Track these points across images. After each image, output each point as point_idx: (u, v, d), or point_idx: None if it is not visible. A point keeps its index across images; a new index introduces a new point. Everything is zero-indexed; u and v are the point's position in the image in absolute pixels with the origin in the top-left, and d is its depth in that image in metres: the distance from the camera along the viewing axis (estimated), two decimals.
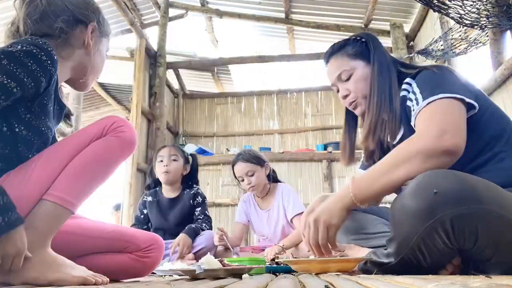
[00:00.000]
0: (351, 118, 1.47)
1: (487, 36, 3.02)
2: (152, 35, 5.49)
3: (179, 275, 1.32)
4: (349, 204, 1.10)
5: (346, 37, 1.42)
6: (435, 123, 1.05)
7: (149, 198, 2.64)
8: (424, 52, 3.83)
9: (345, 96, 1.36)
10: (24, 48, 0.91)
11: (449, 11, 2.52)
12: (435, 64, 1.27)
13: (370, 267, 1.10)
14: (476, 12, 2.48)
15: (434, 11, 2.70)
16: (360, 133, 1.38)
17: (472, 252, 0.93)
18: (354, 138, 1.46)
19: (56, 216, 0.91)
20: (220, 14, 5.56)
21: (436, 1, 2.49)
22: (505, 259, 0.92)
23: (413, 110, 1.15)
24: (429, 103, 1.09)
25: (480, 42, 3.09)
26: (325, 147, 5.38)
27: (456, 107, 1.08)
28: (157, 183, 2.69)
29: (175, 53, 6.08)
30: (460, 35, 3.16)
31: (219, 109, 6.39)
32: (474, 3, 2.40)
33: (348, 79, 1.34)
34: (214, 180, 5.57)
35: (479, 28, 2.71)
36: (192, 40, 6.46)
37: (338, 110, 6.09)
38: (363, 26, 5.28)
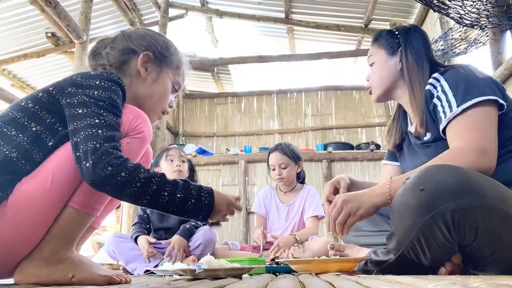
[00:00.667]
0: (399, 107, 1.50)
1: (487, 36, 3.02)
2: None
3: (179, 275, 1.32)
4: (381, 203, 1.11)
5: (388, 29, 1.48)
6: (475, 138, 1.07)
7: None
8: None
9: (367, 81, 1.47)
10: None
11: (449, 11, 2.52)
12: (461, 64, 1.28)
13: (370, 267, 1.10)
14: (476, 12, 2.48)
15: (434, 11, 2.70)
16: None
17: (472, 247, 0.93)
18: (398, 124, 1.48)
19: (79, 221, 0.95)
20: (220, 14, 5.56)
21: (436, 1, 2.49)
22: (505, 255, 0.92)
23: (443, 112, 1.16)
24: (464, 110, 1.10)
25: (480, 42, 3.09)
26: (325, 147, 5.38)
27: (491, 113, 1.10)
28: None
29: None
30: (460, 35, 3.16)
31: (219, 109, 6.39)
32: (474, 3, 2.40)
33: (371, 66, 1.44)
34: (214, 180, 5.57)
35: (479, 28, 2.71)
36: (192, 40, 6.46)
37: (338, 110, 6.09)
38: (363, 26, 5.28)
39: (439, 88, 1.20)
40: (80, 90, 0.95)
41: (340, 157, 5.09)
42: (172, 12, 5.50)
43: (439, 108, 1.18)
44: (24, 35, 4.81)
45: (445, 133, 1.17)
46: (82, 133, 0.88)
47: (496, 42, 3.02)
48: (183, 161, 2.59)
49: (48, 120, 0.95)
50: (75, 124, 0.90)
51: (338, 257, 1.33)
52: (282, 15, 5.43)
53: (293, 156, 2.62)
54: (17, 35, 4.79)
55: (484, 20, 2.55)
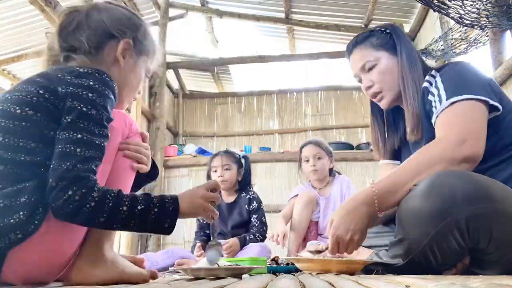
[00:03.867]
0: (377, 111, 1.44)
1: (487, 36, 3.02)
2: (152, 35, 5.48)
3: (180, 275, 1.33)
4: (371, 212, 1.06)
5: (370, 29, 1.40)
6: (456, 130, 1.05)
7: None
8: (424, 52, 3.83)
9: (368, 87, 1.34)
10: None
11: (449, 11, 2.52)
12: (459, 61, 1.25)
13: (372, 268, 1.10)
14: (476, 12, 2.48)
15: (434, 11, 2.70)
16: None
17: (484, 252, 0.93)
18: (384, 131, 1.42)
19: None
20: (220, 14, 5.56)
21: (436, 1, 2.49)
22: None
23: (435, 107, 1.14)
24: (452, 103, 1.08)
25: (480, 42, 3.09)
26: None
27: (478, 110, 1.07)
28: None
29: (175, 53, 6.08)
30: (460, 35, 3.16)
31: (219, 109, 6.39)
32: (474, 3, 2.40)
33: (371, 70, 1.32)
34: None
35: (479, 28, 2.71)
36: (192, 40, 6.45)
37: (338, 110, 6.09)
38: (363, 26, 5.27)
39: (433, 84, 1.18)
40: (70, 89, 0.88)
41: (340, 157, 5.09)
42: (172, 12, 5.50)
43: (433, 103, 1.16)
44: (24, 35, 4.81)
45: None
46: (60, 146, 0.84)
47: (496, 42, 3.02)
48: (227, 169, 2.59)
49: (53, 127, 0.89)
50: (60, 133, 0.86)
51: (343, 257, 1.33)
52: (282, 15, 5.43)
53: (326, 150, 2.62)
54: (17, 35, 4.79)
55: (484, 20, 2.55)
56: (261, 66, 6.28)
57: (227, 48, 6.30)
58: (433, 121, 1.15)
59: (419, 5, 4.31)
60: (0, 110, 0.89)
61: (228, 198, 2.64)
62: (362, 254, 1.32)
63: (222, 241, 2.34)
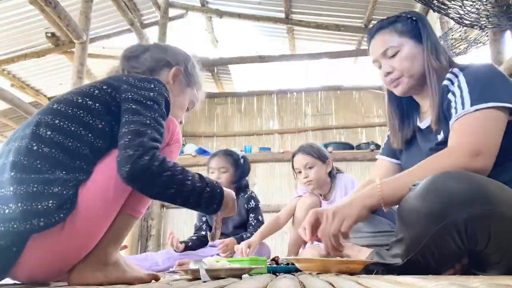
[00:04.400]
0: (393, 100, 1.39)
1: (487, 36, 3.02)
2: (152, 35, 5.49)
3: (180, 275, 1.33)
4: (373, 204, 1.06)
5: (396, 15, 1.36)
6: (473, 140, 1.04)
7: None
8: None
9: (388, 74, 1.29)
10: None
11: (449, 11, 2.52)
12: (485, 63, 1.21)
13: (372, 267, 1.10)
14: (476, 12, 2.48)
15: (434, 11, 2.70)
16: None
17: (483, 253, 0.92)
18: (400, 119, 1.39)
19: (130, 225, 1.01)
20: (220, 14, 5.55)
21: (436, 1, 2.49)
22: None
23: (455, 108, 1.11)
24: (477, 110, 1.06)
25: (480, 42, 3.09)
26: (325, 147, 5.37)
27: (499, 120, 1.06)
28: None
29: None
30: (460, 35, 3.16)
31: (219, 109, 6.39)
32: (474, 3, 2.40)
33: (393, 56, 1.28)
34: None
35: (479, 28, 2.71)
36: (192, 40, 6.45)
37: (338, 110, 6.09)
38: (363, 26, 5.27)
39: (456, 83, 1.15)
40: (135, 90, 1.00)
41: (340, 157, 5.08)
42: (172, 12, 5.50)
43: (452, 104, 1.13)
44: (24, 35, 4.81)
45: None
46: (133, 126, 0.92)
47: (496, 42, 3.01)
48: (224, 172, 2.57)
49: (106, 119, 0.97)
50: (128, 117, 0.94)
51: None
52: (282, 15, 5.43)
53: (318, 155, 2.36)
54: (17, 35, 4.79)
55: (484, 20, 2.55)
56: (261, 66, 6.28)
57: (227, 48, 6.30)
58: (451, 122, 1.13)
59: (419, 5, 4.31)
60: (64, 99, 0.99)
61: None
62: (362, 254, 1.32)
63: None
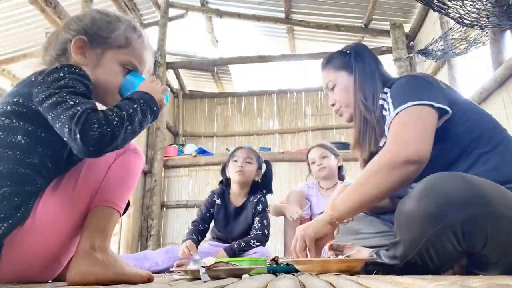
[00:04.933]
0: None
1: (487, 36, 3.02)
2: (152, 35, 5.49)
3: (180, 275, 1.33)
4: (330, 222, 1.17)
5: (335, 51, 1.52)
6: (399, 135, 1.08)
7: (218, 201, 2.57)
8: (424, 52, 3.83)
9: (332, 105, 1.47)
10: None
11: (449, 11, 2.52)
12: (411, 74, 1.34)
13: (371, 267, 1.10)
14: (476, 12, 2.48)
15: (434, 11, 2.70)
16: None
17: (480, 254, 0.92)
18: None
19: (113, 219, 1.01)
20: (220, 14, 5.56)
21: (436, 1, 2.49)
22: (511, 260, 0.92)
23: (387, 120, 1.19)
24: (397, 113, 1.12)
25: (480, 42, 3.09)
26: None
27: (422, 114, 1.09)
28: (227, 183, 2.64)
29: (175, 53, 6.08)
30: (460, 35, 3.16)
31: (219, 109, 6.39)
32: (474, 3, 2.40)
33: (333, 89, 1.44)
34: (214, 180, 5.56)
35: (479, 28, 2.71)
36: (192, 40, 6.45)
37: None
38: (363, 26, 5.27)
39: (386, 100, 1.24)
40: (46, 86, 0.93)
41: None
42: (172, 12, 5.50)
43: (387, 118, 1.21)
44: (24, 35, 4.81)
45: None
46: (62, 117, 0.88)
47: (496, 42, 3.01)
48: (249, 162, 2.52)
49: (29, 128, 0.96)
50: (52, 113, 0.90)
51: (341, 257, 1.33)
52: (282, 15, 5.43)
53: (331, 149, 2.72)
54: (17, 35, 4.79)
55: (484, 20, 2.55)
56: (261, 66, 6.28)
57: (227, 48, 6.30)
58: (386, 133, 1.21)
59: (419, 5, 4.31)
60: None
61: (236, 201, 2.57)
62: (362, 254, 1.32)
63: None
